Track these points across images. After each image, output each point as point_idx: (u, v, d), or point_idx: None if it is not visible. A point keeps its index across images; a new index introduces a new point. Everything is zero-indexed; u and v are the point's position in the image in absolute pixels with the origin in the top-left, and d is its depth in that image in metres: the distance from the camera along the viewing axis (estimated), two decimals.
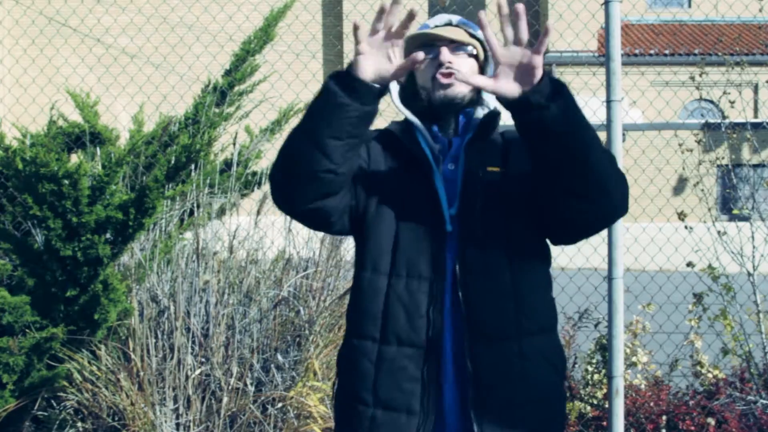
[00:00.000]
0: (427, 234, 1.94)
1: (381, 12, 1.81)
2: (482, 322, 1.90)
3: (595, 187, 1.82)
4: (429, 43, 2.04)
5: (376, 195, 1.99)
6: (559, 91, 1.76)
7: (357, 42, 1.81)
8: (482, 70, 2.09)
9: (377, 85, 1.82)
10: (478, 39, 2.08)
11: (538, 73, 1.75)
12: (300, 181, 1.87)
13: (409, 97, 2.07)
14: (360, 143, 1.88)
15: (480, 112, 2.06)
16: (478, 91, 2.06)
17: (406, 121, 2.05)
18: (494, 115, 2.06)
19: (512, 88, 1.78)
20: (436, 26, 2.09)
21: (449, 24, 2.10)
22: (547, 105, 1.74)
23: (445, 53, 2.01)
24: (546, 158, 1.81)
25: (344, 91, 1.79)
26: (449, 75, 1.99)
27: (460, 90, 2.00)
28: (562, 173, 1.80)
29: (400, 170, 2.00)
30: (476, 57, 2.07)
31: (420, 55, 1.79)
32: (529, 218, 1.96)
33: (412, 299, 1.92)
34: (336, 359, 2.11)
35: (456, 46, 2.04)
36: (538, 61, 1.75)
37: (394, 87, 2.09)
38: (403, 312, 1.92)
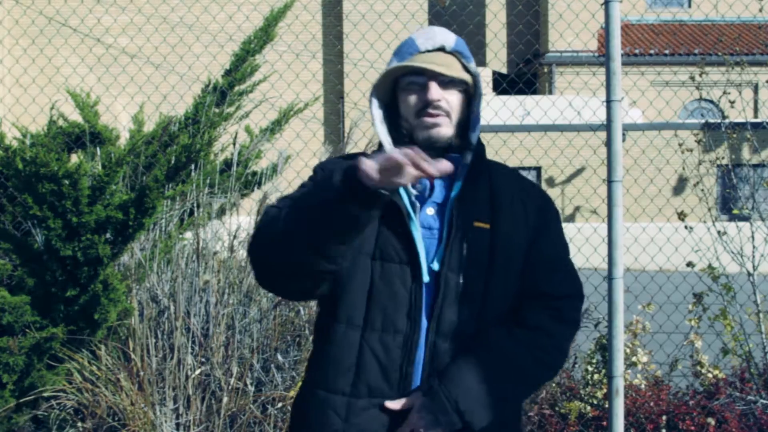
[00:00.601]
0: (403, 286, 1.85)
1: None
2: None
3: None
4: (418, 70, 1.88)
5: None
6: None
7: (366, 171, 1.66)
8: (470, 104, 1.94)
9: (386, 193, 1.68)
10: (470, 72, 1.92)
11: None
12: (294, 277, 1.80)
13: (390, 121, 1.94)
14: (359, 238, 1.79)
15: (468, 157, 1.92)
16: (463, 133, 1.92)
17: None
18: (482, 162, 1.95)
19: None
20: (427, 50, 1.89)
21: (442, 49, 1.90)
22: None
23: (435, 91, 1.86)
24: None
25: (355, 202, 1.66)
26: (436, 115, 1.86)
27: (446, 132, 1.88)
28: None
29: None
30: (466, 91, 1.92)
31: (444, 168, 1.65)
32: (509, 279, 1.91)
33: (387, 354, 1.85)
34: (292, 412, 1.99)
35: (446, 79, 1.88)
36: None
37: (377, 113, 1.94)
38: (377, 366, 1.85)
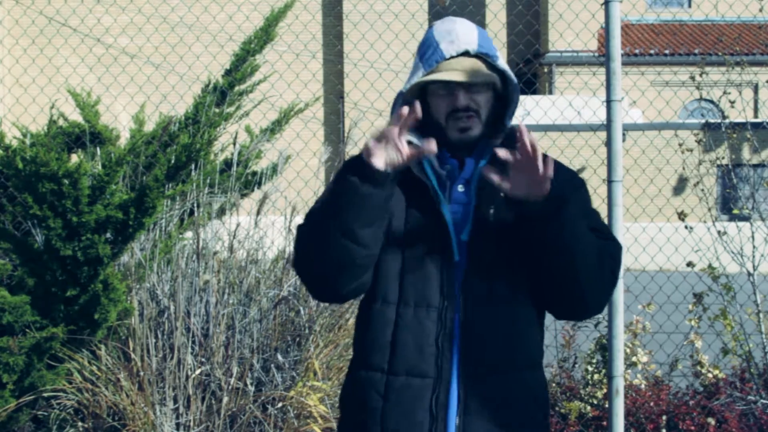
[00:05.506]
0: (434, 262, 1.92)
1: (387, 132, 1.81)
2: (479, 353, 1.90)
3: (572, 295, 1.91)
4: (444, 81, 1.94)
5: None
6: (563, 208, 1.84)
7: (366, 146, 1.84)
8: (502, 101, 2.00)
9: (390, 171, 1.83)
10: (498, 69, 1.97)
11: (546, 189, 1.81)
12: (339, 273, 1.89)
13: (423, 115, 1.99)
14: (385, 221, 1.90)
15: (499, 138, 1.99)
16: (496, 123, 2.00)
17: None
18: (512, 140, 1.97)
19: (521, 193, 1.84)
20: (452, 57, 1.94)
21: (467, 53, 1.95)
22: (547, 219, 1.83)
23: (462, 98, 1.93)
24: (538, 257, 1.89)
25: (365, 182, 1.81)
26: (465, 118, 1.93)
27: (475, 132, 1.95)
28: (550, 273, 1.89)
29: (405, 196, 1.96)
30: (494, 88, 1.98)
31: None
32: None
33: (421, 328, 1.90)
34: (340, 395, 2.08)
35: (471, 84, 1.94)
36: (547, 185, 1.81)
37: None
38: (412, 341, 1.90)
